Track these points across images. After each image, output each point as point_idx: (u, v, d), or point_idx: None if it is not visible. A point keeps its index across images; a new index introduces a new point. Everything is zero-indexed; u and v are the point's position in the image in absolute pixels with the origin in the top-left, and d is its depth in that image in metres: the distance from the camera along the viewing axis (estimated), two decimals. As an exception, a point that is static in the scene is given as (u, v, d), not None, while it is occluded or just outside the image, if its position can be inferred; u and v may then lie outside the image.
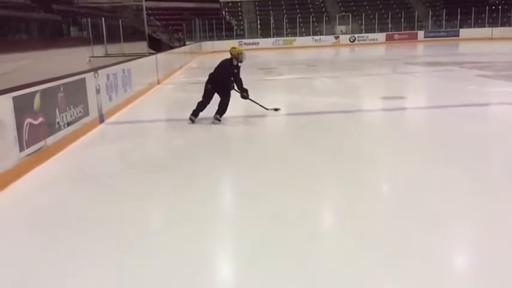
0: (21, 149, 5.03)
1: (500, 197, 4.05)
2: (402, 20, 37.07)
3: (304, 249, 3.19)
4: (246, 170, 5.24)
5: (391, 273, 2.84)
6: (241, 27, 37.96)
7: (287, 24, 37.04)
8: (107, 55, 16.73)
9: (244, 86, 7.84)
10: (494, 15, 36.72)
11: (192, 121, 7.55)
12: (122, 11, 22.92)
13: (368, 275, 2.83)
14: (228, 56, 7.82)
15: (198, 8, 36.45)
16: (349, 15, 38.22)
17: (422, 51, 27.20)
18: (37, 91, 5.48)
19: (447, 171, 4.80)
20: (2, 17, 12.74)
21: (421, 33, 36.55)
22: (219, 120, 7.51)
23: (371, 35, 36.34)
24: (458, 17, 36.60)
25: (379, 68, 16.85)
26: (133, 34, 20.54)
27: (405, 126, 7.48)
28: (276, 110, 8.17)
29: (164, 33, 27.06)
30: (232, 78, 7.65)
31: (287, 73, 16.59)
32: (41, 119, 5.51)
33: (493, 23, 36.39)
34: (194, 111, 7.60)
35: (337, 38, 36.22)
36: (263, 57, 24.55)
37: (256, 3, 41.29)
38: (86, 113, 7.15)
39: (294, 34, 36.43)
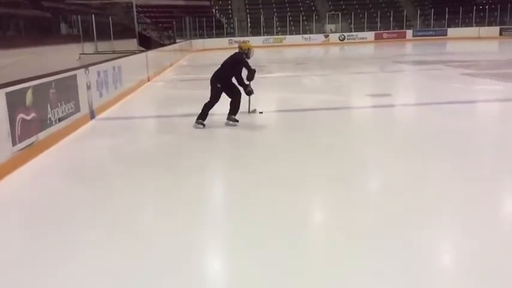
0: (14, 143, 5.13)
1: (482, 187, 4.24)
2: (391, 19, 37.43)
3: (294, 241, 3.33)
4: (236, 164, 5.39)
5: (374, 261, 3.02)
6: (232, 25, 38.05)
7: (277, 23, 37.21)
8: (97, 52, 16.76)
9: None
10: (482, 14, 37.20)
11: (203, 125, 7.05)
12: (111, 8, 22.91)
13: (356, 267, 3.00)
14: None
15: (188, 5, 36.47)
16: (338, 14, 38.47)
17: (411, 50, 27.52)
18: (29, 87, 5.57)
19: (430, 164, 5.00)
20: (-9, 14, 12.75)
21: (409, 32, 36.93)
22: (237, 121, 7.11)
23: (360, 34, 36.64)
24: (446, 16, 37.04)
25: (368, 67, 17.06)
26: (123, 32, 20.56)
27: (390, 123, 7.67)
28: (260, 113, 8.03)
29: (154, 31, 27.07)
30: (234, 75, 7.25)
31: (277, 71, 16.73)
32: (33, 115, 5.61)
33: (480, 23, 36.88)
34: (202, 114, 7.09)
35: (326, 36, 36.47)
36: (253, 55, 24.64)
37: (247, 1, 41.39)
38: (77, 109, 7.25)
39: (284, 32, 36.61)
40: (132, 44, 19.28)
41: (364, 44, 34.09)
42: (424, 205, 3.86)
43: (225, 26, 37.60)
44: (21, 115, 5.33)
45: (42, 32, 14.59)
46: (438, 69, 14.82)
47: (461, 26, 36.96)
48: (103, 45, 17.53)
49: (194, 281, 2.85)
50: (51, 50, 12.84)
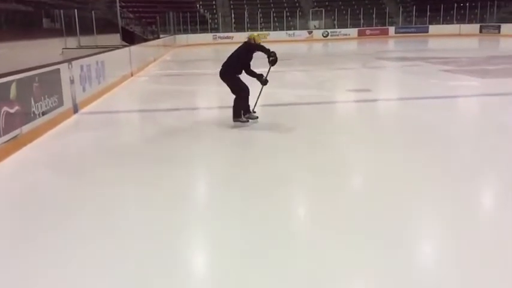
0: (-2, 136, 5.21)
1: (459, 177, 4.47)
2: (374, 16, 37.79)
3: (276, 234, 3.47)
4: (218, 155, 5.54)
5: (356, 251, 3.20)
6: (216, 20, 38.00)
7: (261, 19, 37.27)
8: (80, 47, 16.69)
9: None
10: (462, 12, 37.80)
11: (246, 121, 6.84)
12: (94, 2, 22.76)
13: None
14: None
15: (172, 0, 36.29)
16: (322, 10, 38.70)
17: (393, 46, 27.89)
18: (13, 80, 5.64)
19: (404, 155, 5.26)
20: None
21: (392, 29, 37.35)
22: (248, 120, 6.87)
23: (344, 30, 36.92)
24: (428, 13, 37.55)
25: (350, 63, 17.32)
26: (106, 26, 20.43)
27: (369, 117, 7.89)
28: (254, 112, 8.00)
29: (138, 26, 26.93)
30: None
31: (260, 67, 16.85)
32: (16, 108, 5.68)
33: (461, 20, 37.48)
34: (236, 112, 6.82)
35: (310, 32, 36.67)
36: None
37: (231, -3, 41.36)
38: (61, 103, 7.31)
39: (268, 28, 36.70)
40: (115, 39, 19.18)
41: (348, 40, 34.39)
42: (405, 195, 4.04)
43: (209, 21, 37.54)
44: (5, 108, 5.40)
45: (24, 27, 14.48)
46: (418, 65, 15.13)
47: (443, 23, 37.53)
48: (86, 40, 17.45)
49: (177, 266, 3.00)
50: (33, 44, 12.77)
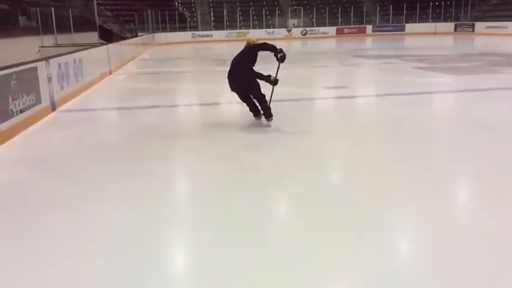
0: (-24, 133, 5.23)
1: (432, 169, 4.68)
2: (352, 14, 38.25)
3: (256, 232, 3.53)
4: (197, 152, 5.65)
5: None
6: (195, 19, 37.95)
7: (240, 17, 37.37)
8: (56, 45, 16.55)
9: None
10: (438, 11, 38.56)
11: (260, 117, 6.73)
12: (71, 0, 22.54)
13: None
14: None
15: (151, -2, 36.10)
16: (301, 9, 39.00)
17: (370, 44, 28.29)
18: (-10, 78, 5.66)
19: (377, 149, 5.48)
20: None
21: (369, 28, 37.85)
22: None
23: (322, 29, 37.29)
24: (404, 12, 38.19)
25: (328, 61, 17.58)
26: (83, 24, 20.30)
27: (344, 113, 8.12)
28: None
29: (115, 24, 26.78)
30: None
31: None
32: (-6, 105, 5.70)
33: (436, 19, 38.26)
34: (254, 111, 6.75)
35: (289, 31, 36.92)
36: (217, 50, 24.80)
37: (210, -5, 41.32)
38: (38, 101, 7.32)
39: (248, 27, 36.81)
40: (93, 37, 19.09)
41: (326, 38, 34.74)
42: (378, 188, 4.20)
43: (188, 19, 37.47)
44: (-17, 106, 5.42)
45: (0, 25, 14.31)
46: (393, 63, 15.46)
47: (419, 22, 38.19)
48: (63, 38, 17.31)
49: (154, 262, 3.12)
50: (9, 42, 12.66)
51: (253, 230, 3.41)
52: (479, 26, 34.67)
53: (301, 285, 2.69)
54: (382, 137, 6.12)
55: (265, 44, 6.54)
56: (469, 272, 2.80)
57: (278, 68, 6.81)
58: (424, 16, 38.58)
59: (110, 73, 13.57)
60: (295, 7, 39.57)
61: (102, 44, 15.50)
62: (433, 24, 37.65)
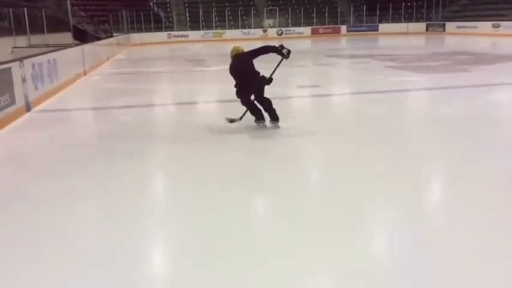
0: (-50, 133, 5.23)
1: (403, 161, 4.91)
2: (326, 15, 38.72)
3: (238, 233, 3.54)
4: (174, 150, 5.76)
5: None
6: (170, 19, 37.83)
7: (216, 17, 37.41)
8: (30, 46, 16.36)
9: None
10: (410, 11, 39.38)
11: (262, 122, 6.64)
12: (44, 0, 22.26)
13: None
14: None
15: (125, -1, 35.83)
16: (276, 9, 39.28)
17: (344, 44, 28.75)
18: (-37, 78, 5.66)
19: (349, 145, 5.71)
20: None
21: (344, 28, 38.37)
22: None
23: (297, 29, 37.63)
24: (378, 12, 38.87)
25: (302, 60, 17.76)
26: (57, 25, 20.06)
27: (317, 110, 8.34)
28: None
29: (90, 24, 26.51)
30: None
31: (215, 64, 17.07)
32: (-32, 106, 5.70)
33: (409, 19, 39.05)
34: (256, 114, 6.65)
35: (265, 31, 37.14)
36: (192, 50, 24.83)
37: (185, -5, 41.23)
38: (12, 101, 7.31)
39: (223, 27, 36.89)
40: (67, 37, 18.89)
41: (301, 38, 35.06)
42: (350, 183, 4.41)
43: (164, 20, 37.34)
44: (-44, 106, 5.42)
45: (-29, 25, 14.09)
46: (366, 62, 15.80)
47: (392, 22, 38.92)
48: (36, 39, 17.11)
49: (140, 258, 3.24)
50: (-19, 43, 12.50)
51: (228, 230, 3.51)
52: (450, 25, 35.56)
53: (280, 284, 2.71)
54: (354, 133, 6.33)
55: (265, 47, 6.66)
56: (447, 269, 2.79)
57: (278, 65, 6.93)
58: (396, 16, 39.34)
59: (85, 74, 13.52)
60: (271, 7, 39.83)
61: (76, 45, 15.40)
62: (406, 24, 38.41)
